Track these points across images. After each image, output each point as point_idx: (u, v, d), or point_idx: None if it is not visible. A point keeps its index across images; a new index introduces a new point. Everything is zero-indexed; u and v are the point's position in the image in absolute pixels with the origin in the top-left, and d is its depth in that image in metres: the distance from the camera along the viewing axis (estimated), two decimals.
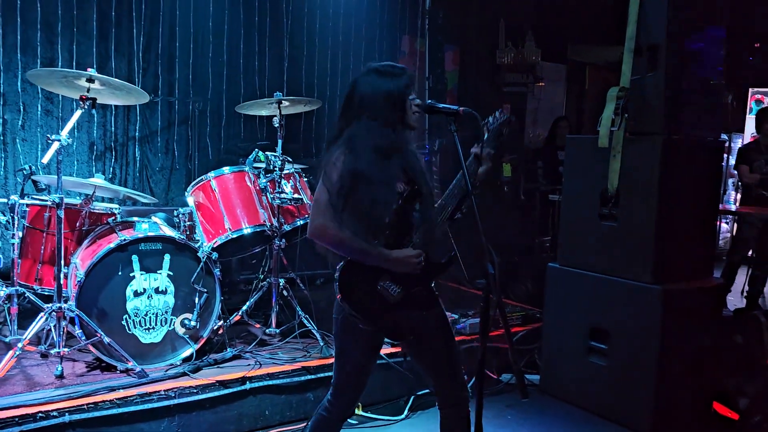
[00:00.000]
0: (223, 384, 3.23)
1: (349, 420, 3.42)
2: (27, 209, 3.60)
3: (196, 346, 3.50)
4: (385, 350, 3.57)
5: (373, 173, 2.18)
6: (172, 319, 3.47)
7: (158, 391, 3.07)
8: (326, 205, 2.18)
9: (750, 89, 8.74)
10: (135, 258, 3.36)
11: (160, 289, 3.44)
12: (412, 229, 2.29)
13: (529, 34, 7.09)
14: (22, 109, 4.78)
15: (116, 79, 3.40)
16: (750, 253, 5.67)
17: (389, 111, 2.27)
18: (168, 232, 3.57)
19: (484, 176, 2.36)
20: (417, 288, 2.31)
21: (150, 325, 3.41)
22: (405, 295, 2.27)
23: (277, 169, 3.90)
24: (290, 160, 4.01)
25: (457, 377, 2.45)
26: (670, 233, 3.47)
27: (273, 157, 3.92)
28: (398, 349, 3.74)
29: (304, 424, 3.28)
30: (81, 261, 3.43)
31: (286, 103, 4.10)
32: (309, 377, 3.45)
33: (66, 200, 3.30)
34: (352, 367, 2.36)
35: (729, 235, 8.00)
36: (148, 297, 3.40)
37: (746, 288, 5.56)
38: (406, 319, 2.31)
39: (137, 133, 5.27)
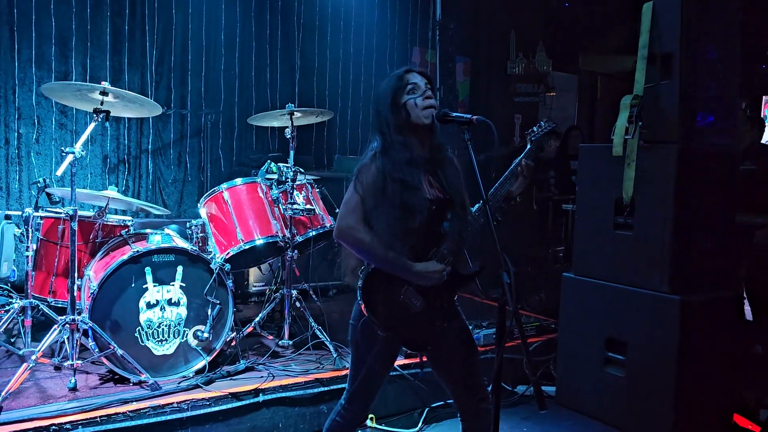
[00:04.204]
0: (236, 396, 3.21)
1: None
2: (41, 222, 3.62)
3: (209, 358, 3.48)
4: (399, 362, 3.53)
5: (404, 178, 2.16)
6: (184, 331, 3.47)
7: (171, 404, 3.05)
8: (355, 207, 2.17)
9: (764, 97, 8.67)
10: (148, 270, 3.36)
11: (173, 301, 3.43)
12: (440, 238, 2.25)
13: (540, 45, 7.08)
14: (36, 123, 4.83)
15: (130, 92, 3.42)
16: None
17: (388, 114, 2.25)
18: (181, 243, 3.57)
19: (519, 191, 2.35)
20: (439, 300, 2.28)
21: (163, 336, 3.40)
22: (427, 307, 2.25)
23: (289, 180, 3.90)
24: (302, 171, 4.01)
25: (479, 390, 2.41)
26: (687, 242, 3.42)
27: (285, 168, 3.92)
28: (412, 360, 3.71)
29: None
30: (94, 273, 3.44)
31: (298, 115, 4.11)
32: (322, 389, 3.42)
33: (80, 213, 3.31)
34: (367, 374, 2.32)
35: None
36: (161, 309, 3.40)
37: None
38: (427, 330, 2.29)
39: (150, 146, 5.31)
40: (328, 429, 2.43)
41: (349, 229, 2.17)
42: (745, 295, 4.41)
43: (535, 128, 2.43)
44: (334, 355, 3.70)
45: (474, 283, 2.37)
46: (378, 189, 2.16)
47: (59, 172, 3.06)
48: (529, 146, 2.39)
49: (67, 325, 3.14)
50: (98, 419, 2.86)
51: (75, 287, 3.24)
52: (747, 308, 4.85)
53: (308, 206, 3.93)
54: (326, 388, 3.42)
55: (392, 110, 2.25)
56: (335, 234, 2.23)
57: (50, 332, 3.15)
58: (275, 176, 3.96)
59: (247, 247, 3.71)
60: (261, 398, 3.26)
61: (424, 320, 2.26)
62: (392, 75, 2.32)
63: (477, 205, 2.36)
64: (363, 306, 2.21)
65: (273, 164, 3.96)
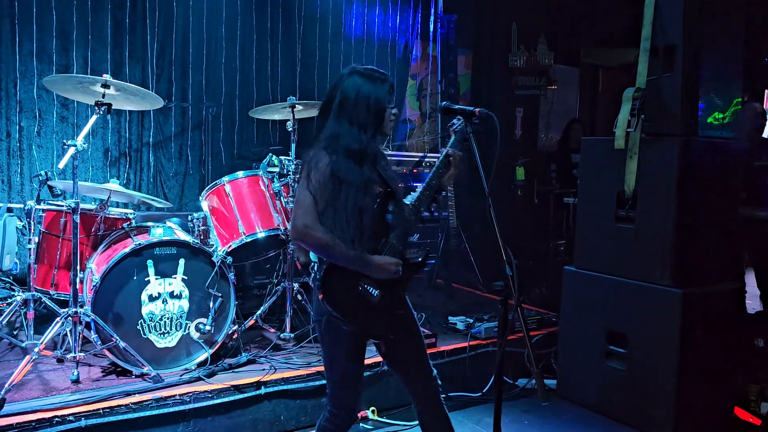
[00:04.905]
0: (238, 389, 3.22)
1: (364, 425, 3.43)
2: (43, 215, 3.63)
3: (211, 351, 3.50)
4: None
5: (355, 176, 2.21)
6: (186, 324, 3.47)
7: (173, 396, 3.07)
8: (309, 207, 2.18)
9: (766, 90, 8.64)
10: (150, 263, 3.36)
11: (174, 294, 3.44)
12: (387, 229, 2.32)
13: (542, 38, 7.05)
14: (37, 116, 4.82)
15: (131, 85, 3.42)
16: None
17: (368, 116, 2.28)
18: (183, 236, 3.58)
19: (449, 182, 2.42)
20: (394, 289, 2.35)
21: (165, 329, 3.41)
22: (384, 296, 2.31)
23: (290, 173, 3.89)
24: (307, 174, 4.00)
25: (428, 368, 2.50)
26: (689, 235, 3.42)
27: (287, 161, 3.92)
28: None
29: None
30: (96, 266, 3.44)
31: (300, 107, 4.10)
32: (324, 382, 3.41)
33: (81, 205, 3.31)
34: (342, 374, 2.39)
35: None
36: (163, 301, 3.40)
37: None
38: (386, 318, 2.35)
39: (151, 139, 5.30)
40: None
41: (306, 229, 2.17)
42: (749, 289, 4.42)
43: (455, 121, 2.48)
44: None
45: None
46: (332, 188, 2.19)
47: (61, 165, 3.06)
48: (453, 137, 2.43)
49: (70, 317, 3.15)
50: (101, 411, 2.88)
51: (77, 280, 3.25)
52: (751, 301, 4.86)
53: None
54: None
55: (378, 116, 2.31)
56: (292, 235, 2.26)
57: (53, 325, 3.16)
58: (277, 169, 3.95)
59: (248, 240, 3.71)
60: (263, 391, 3.27)
61: (382, 310, 2.32)
62: (385, 82, 2.34)
63: (411, 196, 2.43)
64: (323, 299, 2.24)
65: (274, 157, 3.96)
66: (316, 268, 2.33)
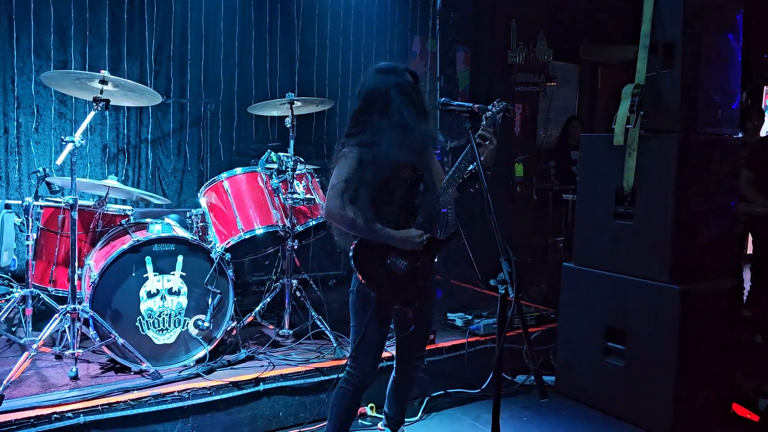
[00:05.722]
0: (237, 385, 3.22)
1: (362, 421, 3.43)
2: (41, 211, 3.62)
3: (210, 347, 3.49)
4: None
5: (382, 163, 2.45)
6: (185, 320, 3.47)
7: (172, 393, 3.07)
8: (339, 190, 2.49)
9: (765, 87, 8.63)
10: (148, 259, 3.36)
11: (173, 290, 3.43)
12: (417, 210, 2.56)
13: (541, 35, 7.04)
14: (35, 112, 4.81)
15: (129, 81, 3.41)
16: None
17: (386, 107, 2.50)
18: (181, 233, 3.57)
19: (491, 156, 2.50)
20: (420, 262, 2.60)
21: (163, 326, 3.41)
22: (411, 268, 2.57)
23: (289, 169, 3.89)
24: (302, 160, 4.00)
25: (422, 349, 2.87)
26: (687, 232, 3.42)
27: (285, 158, 3.91)
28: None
29: (319, 426, 3.28)
30: (95, 262, 3.44)
31: (298, 104, 4.10)
32: (323, 378, 3.43)
33: (79, 202, 3.30)
34: (367, 336, 2.61)
35: None
36: (162, 298, 3.40)
37: None
38: (411, 288, 2.61)
39: (149, 135, 5.29)
40: (337, 397, 2.70)
41: (337, 209, 2.48)
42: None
43: (489, 106, 2.56)
44: (335, 345, 3.71)
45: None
46: (360, 172, 2.47)
47: (59, 162, 3.05)
48: (484, 121, 2.51)
49: (68, 314, 3.15)
50: (100, 408, 2.87)
51: (75, 276, 3.24)
52: None
53: (308, 196, 3.93)
54: (326, 378, 3.43)
55: (401, 105, 2.51)
56: (325, 215, 2.57)
57: (51, 321, 3.16)
58: (275, 166, 3.94)
59: (247, 236, 3.71)
60: (261, 387, 3.27)
61: (408, 280, 2.59)
62: (402, 73, 2.56)
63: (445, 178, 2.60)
64: (355, 270, 2.54)
65: (273, 154, 3.95)
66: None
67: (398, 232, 2.51)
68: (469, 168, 2.53)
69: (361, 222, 2.46)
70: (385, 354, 3.01)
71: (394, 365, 2.93)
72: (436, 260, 2.67)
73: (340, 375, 2.72)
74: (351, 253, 2.54)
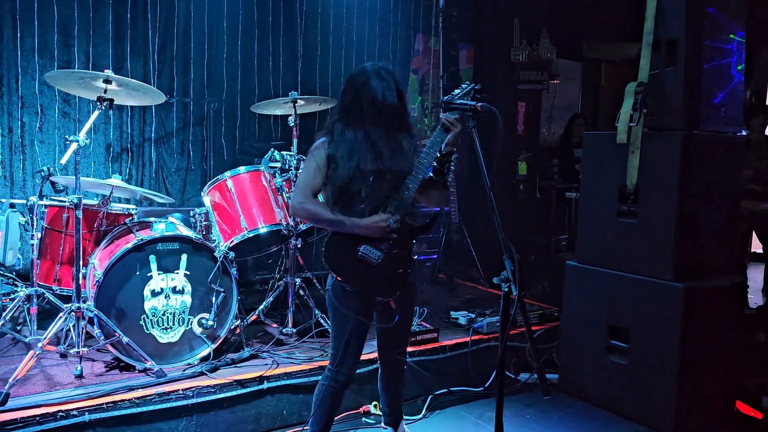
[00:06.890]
0: (241, 383, 3.23)
1: (366, 419, 3.44)
2: (45, 210, 3.63)
3: (214, 346, 3.50)
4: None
5: (348, 157, 2.48)
6: (189, 319, 3.48)
7: (176, 391, 3.08)
8: (304, 185, 2.53)
9: None
10: (152, 258, 3.37)
11: (177, 289, 3.45)
12: (386, 200, 2.53)
13: (544, 32, 7.03)
14: (39, 112, 4.83)
15: (133, 80, 3.42)
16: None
17: (352, 105, 2.53)
18: (185, 232, 3.58)
19: (454, 139, 2.54)
20: (396, 250, 2.54)
21: (167, 324, 3.42)
22: (386, 258, 2.52)
23: (292, 168, 3.90)
24: (305, 159, 4.00)
25: (406, 339, 2.87)
26: (691, 230, 3.42)
27: (288, 157, 3.92)
28: (416, 348, 3.74)
29: None
30: (99, 261, 3.45)
31: (301, 102, 4.10)
32: None
33: (84, 201, 3.31)
34: (346, 335, 2.59)
35: None
36: (166, 297, 3.41)
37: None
38: (390, 277, 2.55)
39: (153, 135, 5.30)
40: (319, 395, 2.67)
41: (299, 204, 2.51)
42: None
43: (456, 90, 2.61)
44: None
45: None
46: (325, 167, 2.53)
47: (63, 161, 3.06)
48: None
49: (73, 313, 3.16)
50: (104, 406, 2.89)
51: (80, 275, 3.26)
52: (753, 295, 4.85)
53: None
54: None
55: (366, 105, 2.52)
56: (290, 212, 2.63)
57: (56, 320, 3.17)
58: (278, 164, 3.95)
59: (250, 235, 3.72)
60: (265, 385, 3.28)
61: (386, 270, 2.53)
62: (374, 76, 2.53)
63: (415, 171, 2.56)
64: (327, 267, 2.52)
65: (276, 152, 3.96)
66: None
67: (364, 219, 2.48)
68: (437, 155, 2.53)
69: (324, 213, 2.48)
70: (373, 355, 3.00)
71: (379, 363, 2.88)
72: (414, 248, 2.61)
73: (325, 371, 2.71)
74: (324, 253, 2.51)
